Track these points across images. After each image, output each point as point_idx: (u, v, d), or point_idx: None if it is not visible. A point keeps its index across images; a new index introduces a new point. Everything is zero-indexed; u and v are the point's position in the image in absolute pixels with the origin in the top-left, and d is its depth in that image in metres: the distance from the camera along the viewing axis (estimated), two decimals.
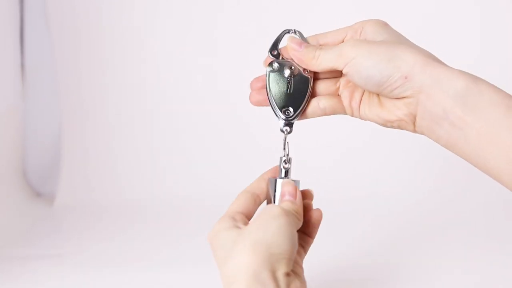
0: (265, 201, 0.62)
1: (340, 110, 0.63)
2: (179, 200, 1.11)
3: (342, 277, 0.77)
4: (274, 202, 0.60)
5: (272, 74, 0.62)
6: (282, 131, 0.62)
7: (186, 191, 1.13)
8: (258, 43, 1.20)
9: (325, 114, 0.63)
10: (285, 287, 0.53)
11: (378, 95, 0.61)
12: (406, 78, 0.57)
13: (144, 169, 1.18)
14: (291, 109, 0.62)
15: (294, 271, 0.56)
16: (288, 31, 0.63)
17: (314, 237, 0.62)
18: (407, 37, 0.62)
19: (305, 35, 0.63)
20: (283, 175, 0.61)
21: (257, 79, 0.64)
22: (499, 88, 0.57)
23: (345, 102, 0.63)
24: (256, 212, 0.59)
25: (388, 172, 1.13)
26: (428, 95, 0.57)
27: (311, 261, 0.61)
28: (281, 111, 0.62)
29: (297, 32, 0.63)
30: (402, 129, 0.61)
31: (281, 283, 0.52)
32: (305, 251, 0.61)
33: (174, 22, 1.19)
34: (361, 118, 0.63)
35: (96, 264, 0.85)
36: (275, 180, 0.60)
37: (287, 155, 0.62)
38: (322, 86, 0.63)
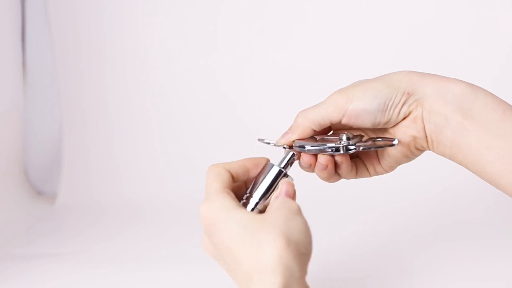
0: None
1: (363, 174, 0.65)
2: (179, 200, 1.11)
3: (341, 276, 0.77)
4: (259, 185, 0.58)
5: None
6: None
7: (186, 191, 1.13)
8: (258, 43, 1.21)
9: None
10: None
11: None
12: (409, 93, 0.59)
13: (144, 169, 1.18)
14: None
15: None
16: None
17: None
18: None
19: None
20: (283, 165, 0.60)
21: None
22: (494, 94, 0.59)
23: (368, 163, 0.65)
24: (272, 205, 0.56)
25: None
26: (430, 105, 0.59)
27: (311, 260, 0.61)
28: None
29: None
30: (420, 149, 0.62)
31: None
32: None
33: (174, 22, 1.19)
34: (384, 170, 0.65)
35: (96, 263, 0.85)
36: (272, 166, 0.59)
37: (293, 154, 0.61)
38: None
